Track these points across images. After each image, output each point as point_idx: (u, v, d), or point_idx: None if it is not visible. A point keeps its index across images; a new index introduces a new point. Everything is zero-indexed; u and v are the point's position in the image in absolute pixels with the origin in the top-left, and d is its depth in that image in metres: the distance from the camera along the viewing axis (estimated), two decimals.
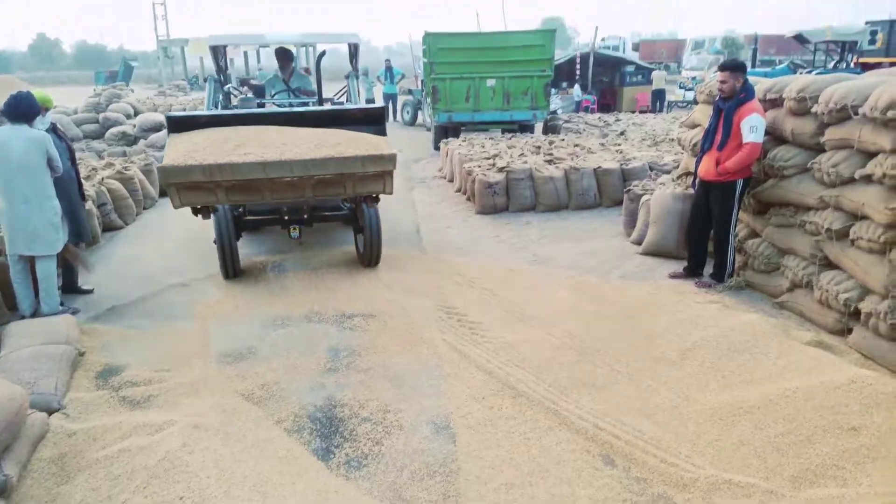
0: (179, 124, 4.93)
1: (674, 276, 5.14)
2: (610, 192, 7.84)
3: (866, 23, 17.38)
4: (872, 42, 16.75)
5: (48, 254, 4.57)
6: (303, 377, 3.79)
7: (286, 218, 5.61)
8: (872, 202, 3.82)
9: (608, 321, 4.38)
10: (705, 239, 5.14)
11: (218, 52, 6.86)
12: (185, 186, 4.47)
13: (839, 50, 19.20)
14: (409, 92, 19.40)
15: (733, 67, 4.60)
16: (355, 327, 4.48)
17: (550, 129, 13.47)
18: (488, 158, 8.68)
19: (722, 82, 4.64)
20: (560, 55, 20.72)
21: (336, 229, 6.69)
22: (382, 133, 5.11)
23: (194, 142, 4.63)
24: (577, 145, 9.68)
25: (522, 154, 8.95)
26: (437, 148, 12.29)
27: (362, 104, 7.01)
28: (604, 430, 3.10)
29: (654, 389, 3.49)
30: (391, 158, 4.69)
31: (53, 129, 5.00)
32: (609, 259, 5.91)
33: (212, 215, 5.20)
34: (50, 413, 3.28)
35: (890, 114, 3.67)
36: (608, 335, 4.16)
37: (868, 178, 3.89)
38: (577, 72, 19.85)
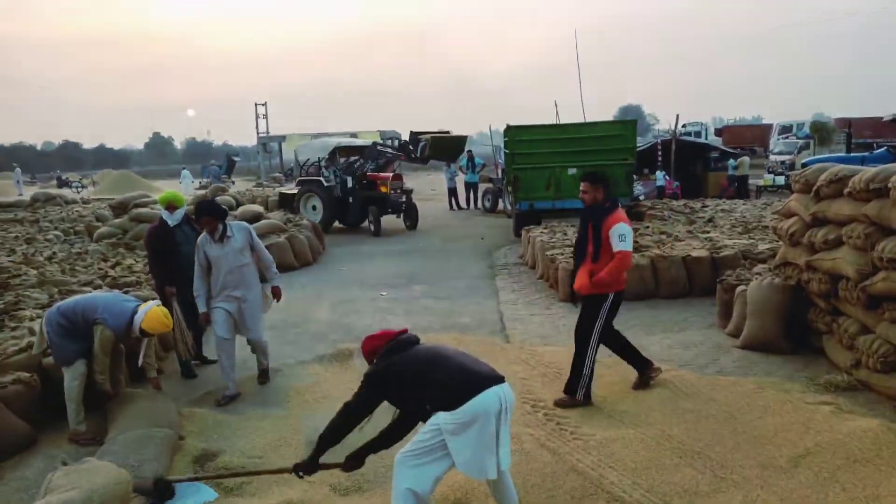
0: None
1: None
2: (701, 280, 7.58)
3: None
4: None
5: None
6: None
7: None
8: None
9: (709, 421, 4.12)
10: None
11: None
12: None
13: None
14: (490, 180, 19.86)
15: (593, 180, 4.56)
16: None
17: (633, 216, 13.33)
18: (571, 246, 8.64)
19: (583, 192, 4.59)
20: (640, 142, 20.77)
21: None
22: None
23: None
24: (663, 232, 9.52)
25: None
26: (517, 235, 12.41)
27: None
28: None
29: (764, 500, 3.21)
30: None
31: (187, 221, 5.65)
32: (704, 352, 5.63)
33: None
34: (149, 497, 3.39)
35: None
36: (710, 437, 3.90)
37: None
38: (659, 158, 19.78)
